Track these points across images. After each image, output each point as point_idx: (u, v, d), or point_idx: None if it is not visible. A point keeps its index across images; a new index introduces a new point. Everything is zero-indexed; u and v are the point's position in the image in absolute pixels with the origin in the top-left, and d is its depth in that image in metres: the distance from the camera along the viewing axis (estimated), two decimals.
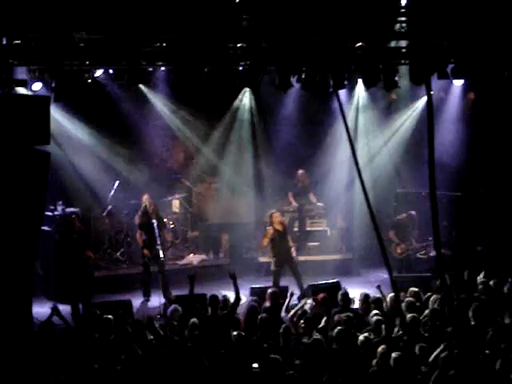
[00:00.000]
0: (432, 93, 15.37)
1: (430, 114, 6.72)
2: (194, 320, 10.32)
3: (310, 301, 11.46)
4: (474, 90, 16.97)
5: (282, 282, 14.21)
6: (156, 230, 14.12)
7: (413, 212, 16.23)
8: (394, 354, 8.47)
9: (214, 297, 11.09)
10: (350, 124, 17.78)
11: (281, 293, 11.92)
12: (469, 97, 17.25)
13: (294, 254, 14.64)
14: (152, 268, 14.49)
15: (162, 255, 14.10)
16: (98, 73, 13.86)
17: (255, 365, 8.95)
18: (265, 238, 14.56)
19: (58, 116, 15.08)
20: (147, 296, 14.20)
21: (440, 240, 6.48)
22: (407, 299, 11.18)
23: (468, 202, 15.58)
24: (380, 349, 8.64)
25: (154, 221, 14.25)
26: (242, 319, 10.91)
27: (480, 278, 12.23)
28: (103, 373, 8.61)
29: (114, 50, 12.60)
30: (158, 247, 14.07)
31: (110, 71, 13.86)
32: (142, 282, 14.40)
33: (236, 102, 17.62)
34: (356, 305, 11.81)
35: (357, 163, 6.97)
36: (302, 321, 10.30)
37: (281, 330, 9.89)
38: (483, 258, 15.22)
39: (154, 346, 9.54)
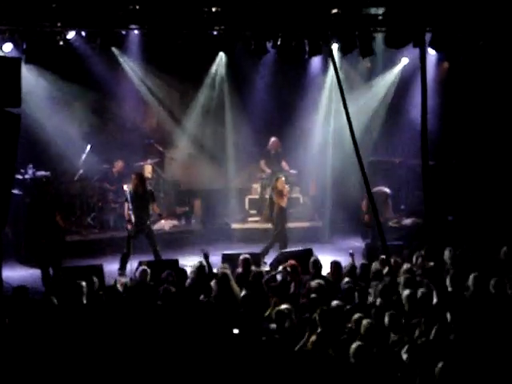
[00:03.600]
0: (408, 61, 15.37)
1: (424, 82, 6.64)
2: (165, 286, 10.27)
3: (280, 268, 11.46)
4: (448, 60, 16.97)
5: (252, 249, 14.23)
6: (149, 202, 13.76)
7: (386, 189, 16.23)
8: (364, 322, 8.52)
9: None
10: (326, 92, 17.79)
11: (253, 259, 11.92)
12: (443, 66, 17.27)
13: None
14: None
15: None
16: (71, 35, 13.64)
17: (236, 330, 8.96)
18: (284, 197, 14.62)
19: (29, 78, 14.84)
20: (123, 271, 13.56)
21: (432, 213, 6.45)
22: (375, 267, 11.24)
23: (441, 171, 15.66)
24: (355, 316, 8.69)
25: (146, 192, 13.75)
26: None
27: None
28: (76, 337, 8.58)
29: (87, 12, 12.40)
30: (150, 222, 13.83)
31: (83, 33, 13.64)
32: (122, 257, 13.58)
33: (210, 68, 17.45)
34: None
35: (352, 132, 6.87)
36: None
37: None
38: (454, 227, 15.36)
39: (125, 310, 9.49)
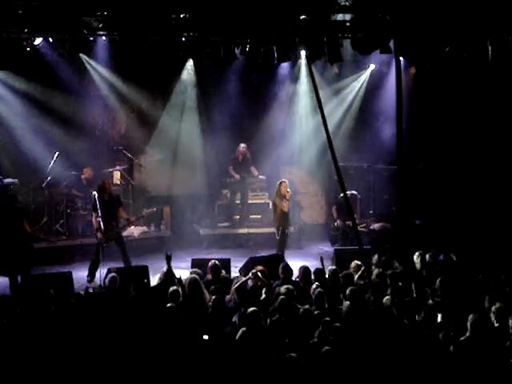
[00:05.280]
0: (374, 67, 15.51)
1: (399, 89, 6.73)
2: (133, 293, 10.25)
3: (250, 274, 11.46)
4: (414, 65, 17.14)
5: (222, 254, 14.23)
6: (116, 209, 13.82)
7: (354, 192, 16.36)
8: (335, 325, 8.57)
9: None
10: (295, 98, 17.91)
11: (222, 265, 11.92)
12: (410, 71, 17.43)
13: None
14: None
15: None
16: (38, 41, 13.56)
17: (205, 337, 8.94)
18: (287, 201, 14.56)
19: None
20: (92, 278, 13.56)
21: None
22: (345, 272, 11.31)
23: (408, 175, 15.74)
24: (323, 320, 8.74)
25: (113, 198, 13.85)
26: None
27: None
28: (44, 346, 8.52)
29: (55, 18, 12.33)
30: (119, 228, 13.84)
31: (50, 40, 13.57)
32: (91, 266, 13.59)
33: (179, 74, 17.45)
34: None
35: (329, 137, 6.91)
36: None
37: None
38: (421, 231, 15.48)
39: (96, 317, 9.45)
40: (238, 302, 10.19)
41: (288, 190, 14.54)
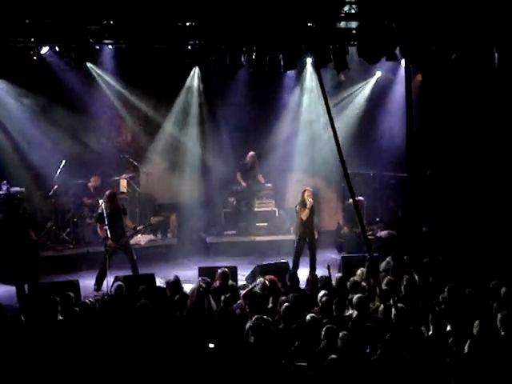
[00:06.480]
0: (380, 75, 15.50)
1: (409, 97, 6.72)
2: (143, 301, 10.21)
3: (259, 281, 11.43)
4: (421, 72, 17.13)
5: (228, 262, 14.21)
6: (123, 218, 13.74)
7: (361, 198, 16.32)
8: (341, 334, 8.53)
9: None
10: (298, 105, 17.91)
11: (231, 273, 11.92)
12: (416, 78, 17.41)
13: (316, 235, 14.56)
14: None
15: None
16: (44, 50, 13.60)
17: (211, 345, 8.91)
18: (306, 209, 14.30)
19: (2, 93, 14.80)
20: (99, 287, 13.46)
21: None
22: (352, 279, 11.27)
23: (415, 183, 15.72)
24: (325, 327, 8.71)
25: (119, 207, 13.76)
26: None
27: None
28: (52, 355, 8.51)
29: (61, 27, 12.35)
30: (126, 237, 13.76)
31: (57, 48, 13.59)
32: (98, 275, 13.50)
33: (185, 82, 17.47)
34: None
35: (338, 144, 6.86)
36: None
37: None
38: (428, 238, 15.44)
39: (102, 327, 9.43)
40: (247, 309, 10.16)
41: (310, 199, 14.38)
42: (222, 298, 10.42)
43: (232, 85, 17.04)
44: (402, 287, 10.73)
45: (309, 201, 14.24)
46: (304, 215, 14.23)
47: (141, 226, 14.76)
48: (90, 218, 15.97)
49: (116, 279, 11.91)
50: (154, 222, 15.39)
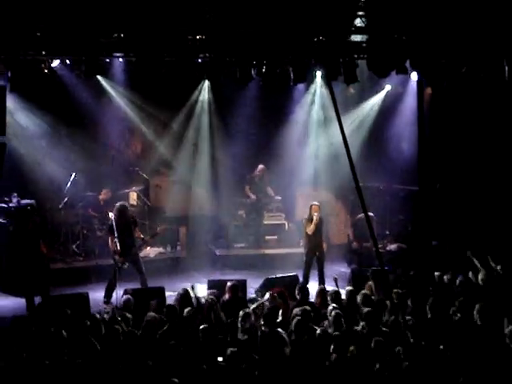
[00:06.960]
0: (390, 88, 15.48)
1: (421, 110, 6.72)
2: (150, 314, 10.19)
3: (268, 295, 11.41)
4: (431, 85, 17.10)
5: (238, 275, 14.18)
6: (132, 230, 13.75)
7: (371, 214, 16.21)
8: (351, 348, 8.51)
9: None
10: (307, 118, 17.93)
11: (240, 286, 11.91)
12: (426, 92, 17.39)
13: (324, 248, 14.59)
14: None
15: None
16: (55, 63, 13.65)
17: (220, 358, 8.89)
18: (312, 224, 14.37)
19: (13, 106, 14.86)
20: (108, 300, 13.47)
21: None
22: (362, 292, 11.23)
23: (425, 196, 15.66)
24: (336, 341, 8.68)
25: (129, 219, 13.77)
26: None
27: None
28: (60, 367, 8.49)
29: (72, 40, 12.42)
30: (135, 249, 13.77)
31: (67, 61, 13.65)
32: (107, 287, 13.53)
33: (195, 95, 17.52)
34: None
35: (350, 158, 6.87)
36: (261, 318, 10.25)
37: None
38: (438, 252, 15.37)
39: (112, 340, 9.40)
40: (257, 324, 10.13)
41: (316, 213, 14.38)
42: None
43: (242, 98, 17.08)
44: (409, 301, 10.70)
45: (314, 215, 14.26)
46: (310, 230, 14.27)
47: (148, 237, 14.76)
48: (100, 231, 16.00)
49: (125, 292, 11.90)
50: (160, 231, 15.35)
